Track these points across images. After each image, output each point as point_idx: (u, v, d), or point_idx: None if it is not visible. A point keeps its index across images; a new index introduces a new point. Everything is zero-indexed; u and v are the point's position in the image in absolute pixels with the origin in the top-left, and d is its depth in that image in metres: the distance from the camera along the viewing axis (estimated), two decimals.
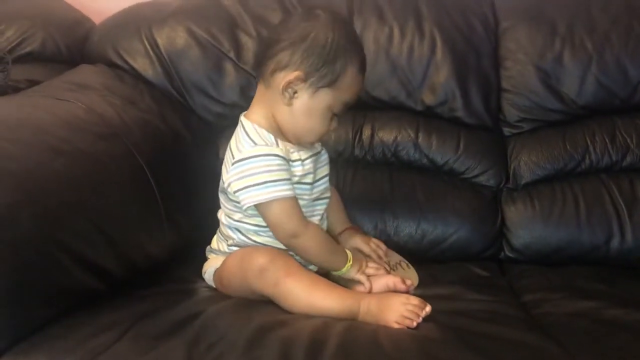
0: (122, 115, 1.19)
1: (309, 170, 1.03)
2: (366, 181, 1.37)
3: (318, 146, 1.09)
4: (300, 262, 1.02)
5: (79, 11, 1.61)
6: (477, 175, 1.39)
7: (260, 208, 0.99)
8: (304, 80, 0.97)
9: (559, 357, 0.84)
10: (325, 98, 0.99)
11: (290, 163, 1.00)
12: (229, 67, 1.41)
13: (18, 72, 1.33)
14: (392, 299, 0.92)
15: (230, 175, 0.99)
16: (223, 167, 1.05)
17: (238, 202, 1.01)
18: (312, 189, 1.04)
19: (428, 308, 0.91)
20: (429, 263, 1.24)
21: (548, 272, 1.24)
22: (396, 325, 0.89)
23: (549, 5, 1.43)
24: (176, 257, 1.17)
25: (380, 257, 1.11)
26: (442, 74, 1.40)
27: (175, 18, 1.44)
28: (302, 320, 0.89)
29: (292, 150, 1.01)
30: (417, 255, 1.26)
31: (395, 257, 1.17)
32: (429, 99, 1.41)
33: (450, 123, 1.41)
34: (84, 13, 1.61)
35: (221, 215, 1.09)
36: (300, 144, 1.03)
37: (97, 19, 1.59)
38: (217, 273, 1.06)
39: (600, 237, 1.30)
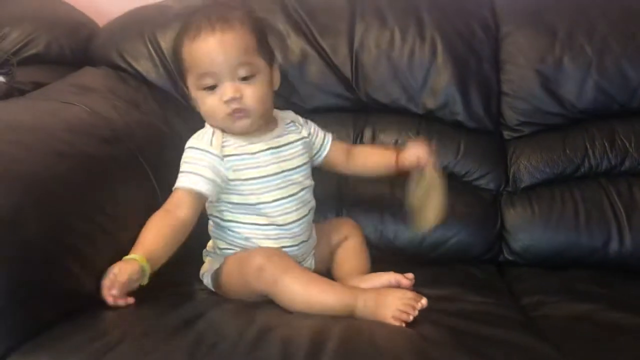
0: (126, 118, 1.21)
1: (267, 162, 1.04)
2: (366, 184, 1.38)
3: (283, 138, 1.08)
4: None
5: (83, 14, 1.63)
6: (477, 179, 1.40)
7: None
8: (184, 81, 1.06)
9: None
10: (190, 81, 1.03)
11: (227, 158, 1.02)
12: None
13: (22, 74, 1.34)
14: (388, 295, 0.93)
15: None
16: None
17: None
18: (276, 180, 1.04)
19: (424, 301, 0.92)
20: (428, 265, 1.25)
21: (547, 275, 1.26)
22: (393, 321, 0.90)
23: (549, 10, 1.44)
24: (178, 260, 1.18)
25: None
26: (443, 78, 1.41)
27: (179, 21, 1.43)
28: (302, 321, 0.90)
29: (225, 144, 1.03)
30: (417, 258, 1.27)
31: None
32: (429, 102, 1.42)
33: (451, 127, 1.42)
34: (88, 15, 1.63)
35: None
36: (231, 131, 1.04)
37: (100, 21, 1.60)
38: (215, 277, 1.07)
39: (598, 240, 1.31)
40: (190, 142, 1.05)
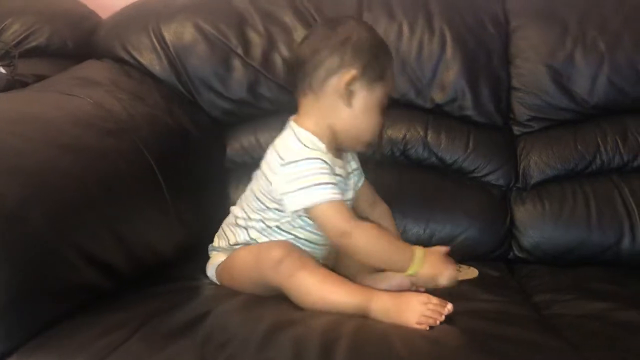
0: (130, 111, 1.18)
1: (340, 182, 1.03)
2: (374, 180, 1.34)
3: (349, 165, 1.09)
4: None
5: (85, 5, 1.60)
6: (486, 175, 1.38)
7: (311, 211, 0.99)
8: (361, 76, 1.00)
9: (574, 359, 0.83)
10: (379, 91, 1.02)
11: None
12: (236, 63, 1.40)
13: (24, 66, 1.32)
14: (411, 299, 0.91)
15: (281, 176, 0.99)
16: (264, 167, 1.04)
17: (267, 203, 1.02)
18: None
19: (450, 306, 0.90)
20: None
21: (558, 272, 1.24)
22: (417, 326, 0.88)
23: (560, 4, 1.41)
24: (184, 254, 1.17)
25: None
26: (452, 72, 1.39)
27: (183, 13, 1.43)
28: (314, 319, 0.88)
29: (335, 165, 1.01)
30: None
31: None
32: (438, 97, 1.40)
33: (460, 121, 1.40)
34: (90, 8, 1.60)
35: (237, 211, 1.09)
36: (354, 148, 1.07)
37: (103, 13, 1.58)
38: (223, 267, 1.06)
39: (610, 237, 1.29)
40: (308, 153, 0.98)
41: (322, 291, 0.93)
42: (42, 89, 1.21)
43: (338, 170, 1.02)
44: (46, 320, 0.83)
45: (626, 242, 1.29)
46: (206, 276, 1.10)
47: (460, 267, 1.19)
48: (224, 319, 0.90)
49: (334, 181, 0.98)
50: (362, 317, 0.91)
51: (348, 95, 1.00)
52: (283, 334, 0.83)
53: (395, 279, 1.01)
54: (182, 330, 0.84)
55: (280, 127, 1.41)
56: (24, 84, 1.24)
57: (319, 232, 1.03)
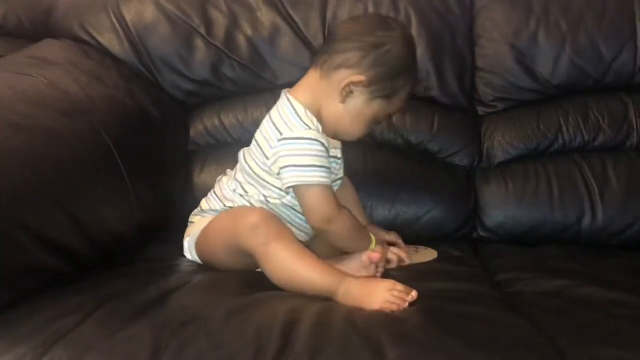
0: (88, 92, 1.15)
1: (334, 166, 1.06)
2: None
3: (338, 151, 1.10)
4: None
5: None
6: (451, 155, 1.38)
7: (300, 189, 1.00)
8: (366, 86, 0.99)
9: (532, 335, 0.83)
10: (377, 108, 1.02)
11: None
12: (199, 43, 1.38)
13: None
14: (377, 285, 0.91)
15: (279, 151, 1.00)
16: (260, 140, 1.04)
17: (267, 178, 1.02)
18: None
19: (414, 293, 0.90)
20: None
21: (521, 251, 1.25)
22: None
23: None
24: (146, 237, 1.15)
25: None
26: (417, 53, 1.36)
27: None
28: (277, 301, 0.88)
29: (330, 147, 1.03)
30: None
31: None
32: None
33: (425, 102, 1.40)
34: None
35: (228, 182, 1.09)
36: (334, 138, 1.05)
37: None
38: (204, 231, 1.04)
39: (572, 216, 1.31)
40: (307, 133, 0.99)
41: (295, 265, 0.92)
42: None
43: (333, 152, 1.04)
44: None
45: (586, 221, 1.30)
46: (173, 258, 1.08)
47: (417, 249, 1.19)
48: (185, 300, 0.88)
49: (327, 165, 0.99)
50: (325, 300, 0.91)
51: (346, 93, 1.00)
52: (244, 317, 0.82)
53: (355, 263, 1.01)
54: (141, 312, 0.82)
55: (244, 109, 1.42)
56: None
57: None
